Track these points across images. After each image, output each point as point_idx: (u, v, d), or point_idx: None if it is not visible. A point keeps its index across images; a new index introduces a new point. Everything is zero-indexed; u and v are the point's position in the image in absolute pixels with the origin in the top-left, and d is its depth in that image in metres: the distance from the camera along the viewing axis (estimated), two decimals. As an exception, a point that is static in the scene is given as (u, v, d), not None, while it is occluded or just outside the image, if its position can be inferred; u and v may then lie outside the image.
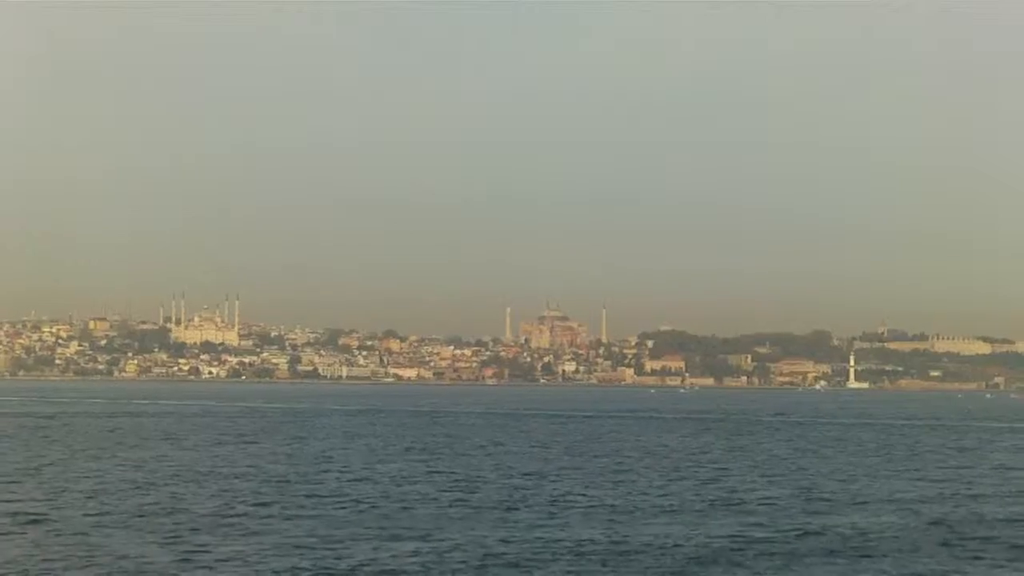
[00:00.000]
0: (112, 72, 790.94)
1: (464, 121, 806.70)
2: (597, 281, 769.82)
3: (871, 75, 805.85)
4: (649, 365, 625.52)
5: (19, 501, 49.79)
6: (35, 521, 43.84)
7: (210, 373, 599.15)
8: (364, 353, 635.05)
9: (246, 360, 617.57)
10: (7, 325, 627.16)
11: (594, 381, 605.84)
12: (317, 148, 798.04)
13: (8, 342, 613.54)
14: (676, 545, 39.79)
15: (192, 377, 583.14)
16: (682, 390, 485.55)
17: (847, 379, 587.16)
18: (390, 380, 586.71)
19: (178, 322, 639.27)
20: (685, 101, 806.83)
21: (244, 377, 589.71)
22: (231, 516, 45.74)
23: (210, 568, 34.79)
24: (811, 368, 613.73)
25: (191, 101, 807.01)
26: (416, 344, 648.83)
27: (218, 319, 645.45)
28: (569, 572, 35.02)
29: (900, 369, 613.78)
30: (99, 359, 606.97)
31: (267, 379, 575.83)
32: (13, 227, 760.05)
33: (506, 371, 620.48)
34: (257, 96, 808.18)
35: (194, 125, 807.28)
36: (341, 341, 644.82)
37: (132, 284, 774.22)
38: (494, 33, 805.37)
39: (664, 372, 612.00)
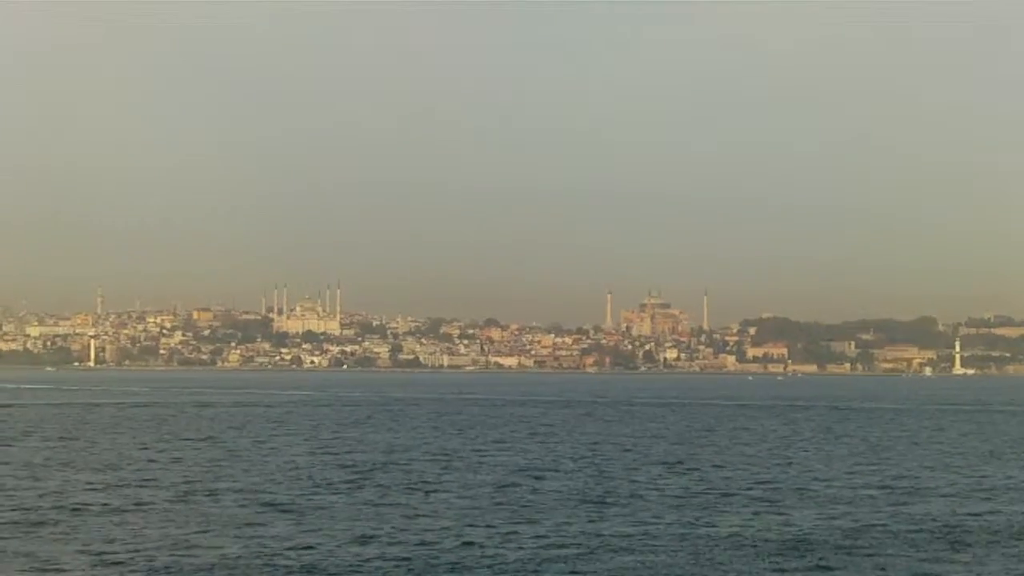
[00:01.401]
0: (204, 56, 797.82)
1: (571, 112, 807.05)
2: (698, 268, 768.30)
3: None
4: (751, 352, 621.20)
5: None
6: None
7: (312, 362, 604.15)
8: (465, 341, 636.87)
9: (347, 349, 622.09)
10: (113, 316, 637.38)
11: (696, 369, 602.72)
12: (415, 135, 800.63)
13: (114, 332, 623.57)
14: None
15: (294, 367, 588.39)
16: (779, 377, 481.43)
17: (953, 365, 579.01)
18: (480, 369, 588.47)
19: (280, 312, 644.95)
20: (786, 98, 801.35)
21: (345, 366, 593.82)
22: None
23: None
24: (916, 354, 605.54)
25: (295, 89, 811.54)
26: (517, 332, 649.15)
27: (319, 308, 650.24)
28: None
29: (1007, 355, 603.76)
30: (203, 349, 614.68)
31: (368, 368, 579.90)
32: (119, 221, 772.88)
33: (607, 359, 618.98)
34: (358, 78, 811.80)
35: (296, 113, 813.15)
36: (442, 330, 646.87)
37: (235, 274, 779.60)
38: (615, 26, 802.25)
39: (766, 359, 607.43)
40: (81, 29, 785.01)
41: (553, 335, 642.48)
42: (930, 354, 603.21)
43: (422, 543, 37.16)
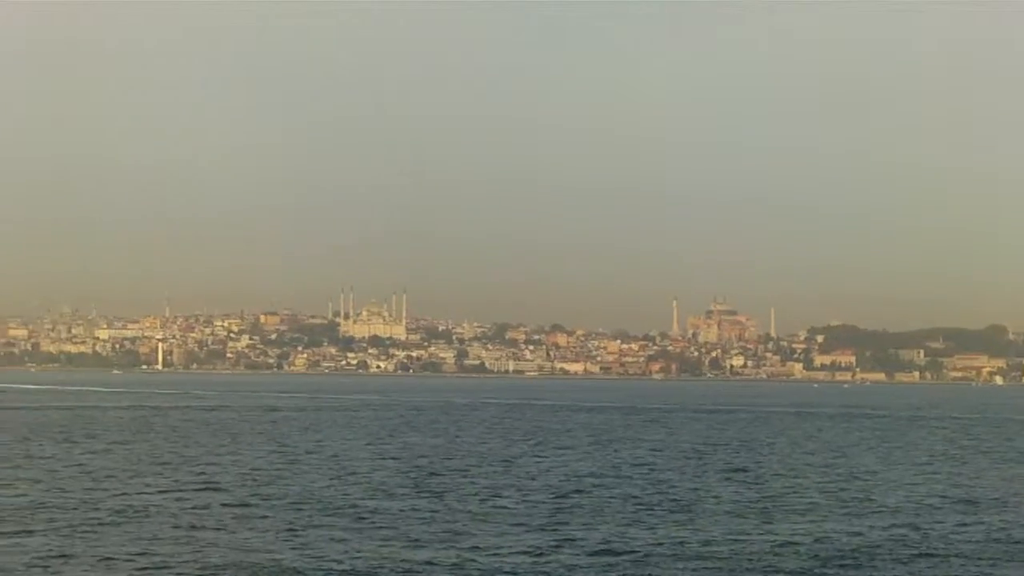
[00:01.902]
0: (274, 46, 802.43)
1: (638, 115, 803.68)
2: (765, 275, 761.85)
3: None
4: (819, 360, 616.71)
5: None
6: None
7: (378, 367, 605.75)
8: (530, 347, 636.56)
9: (413, 354, 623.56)
10: (181, 319, 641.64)
11: (763, 376, 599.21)
12: (482, 135, 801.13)
13: (182, 336, 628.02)
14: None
15: (360, 371, 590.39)
16: (845, 385, 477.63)
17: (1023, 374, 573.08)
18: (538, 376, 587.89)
19: (346, 316, 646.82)
20: (841, 102, 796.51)
21: (411, 371, 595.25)
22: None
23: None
24: (986, 363, 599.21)
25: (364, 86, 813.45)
26: (583, 338, 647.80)
27: (386, 313, 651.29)
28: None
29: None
30: (269, 353, 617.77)
31: (434, 373, 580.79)
32: (187, 222, 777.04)
33: (673, 366, 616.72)
34: (429, 75, 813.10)
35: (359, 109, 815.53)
36: (508, 335, 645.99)
37: (302, 278, 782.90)
38: (683, 25, 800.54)
39: (834, 367, 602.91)
40: (146, 27, 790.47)
41: (619, 341, 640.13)
42: (1000, 363, 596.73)
43: (475, 548, 37.18)
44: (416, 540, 38.60)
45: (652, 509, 47.82)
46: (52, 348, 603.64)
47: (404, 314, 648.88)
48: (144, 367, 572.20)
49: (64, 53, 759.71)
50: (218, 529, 40.44)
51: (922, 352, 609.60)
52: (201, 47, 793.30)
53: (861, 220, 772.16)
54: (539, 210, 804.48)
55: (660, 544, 38.76)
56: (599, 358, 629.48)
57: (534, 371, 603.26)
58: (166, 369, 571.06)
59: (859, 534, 41.68)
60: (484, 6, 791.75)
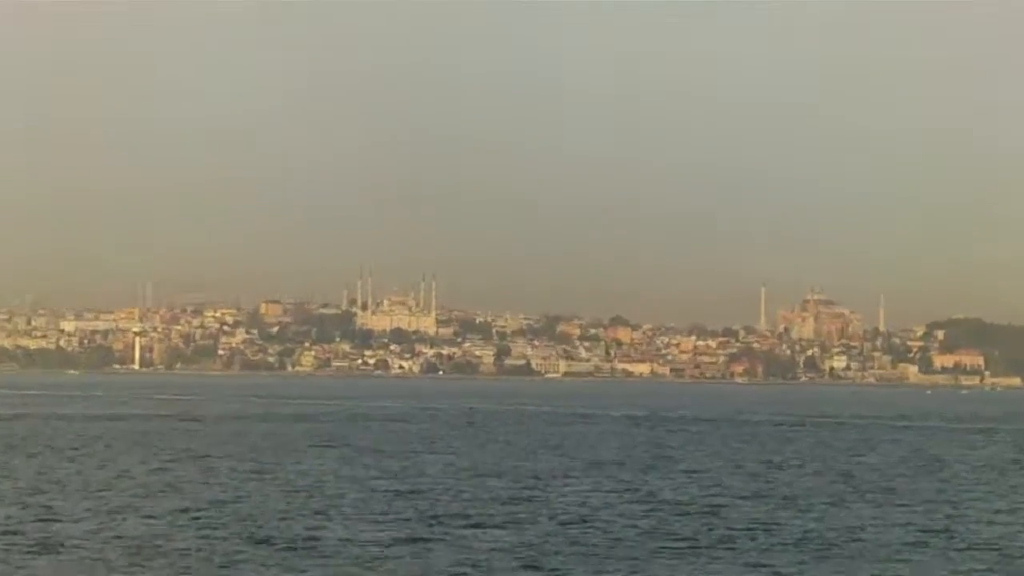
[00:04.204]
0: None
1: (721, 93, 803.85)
2: (873, 260, 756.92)
3: None
4: (939, 361, 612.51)
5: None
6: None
7: (401, 367, 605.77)
8: (586, 344, 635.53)
9: (444, 352, 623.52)
10: (164, 309, 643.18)
11: (870, 380, 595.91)
12: (530, 109, 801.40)
13: (164, 329, 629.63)
14: None
15: (379, 372, 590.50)
16: (964, 391, 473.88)
17: None
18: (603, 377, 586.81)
19: (364, 306, 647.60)
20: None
21: (441, 372, 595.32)
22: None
23: None
24: None
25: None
26: (650, 333, 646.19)
27: (412, 302, 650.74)
28: None
29: None
30: (270, 350, 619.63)
31: (469, 375, 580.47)
32: (172, 197, 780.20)
33: (759, 367, 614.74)
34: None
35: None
36: (559, 329, 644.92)
37: (309, 261, 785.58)
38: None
39: (957, 370, 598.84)
40: None
41: (694, 337, 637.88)
42: None
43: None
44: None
45: (690, 543, 48.46)
46: (7, 343, 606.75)
47: (434, 303, 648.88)
48: (117, 366, 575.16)
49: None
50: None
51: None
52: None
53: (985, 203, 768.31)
54: (592, 178, 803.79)
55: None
56: (670, 358, 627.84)
57: (592, 372, 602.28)
58: (144, 369, 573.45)
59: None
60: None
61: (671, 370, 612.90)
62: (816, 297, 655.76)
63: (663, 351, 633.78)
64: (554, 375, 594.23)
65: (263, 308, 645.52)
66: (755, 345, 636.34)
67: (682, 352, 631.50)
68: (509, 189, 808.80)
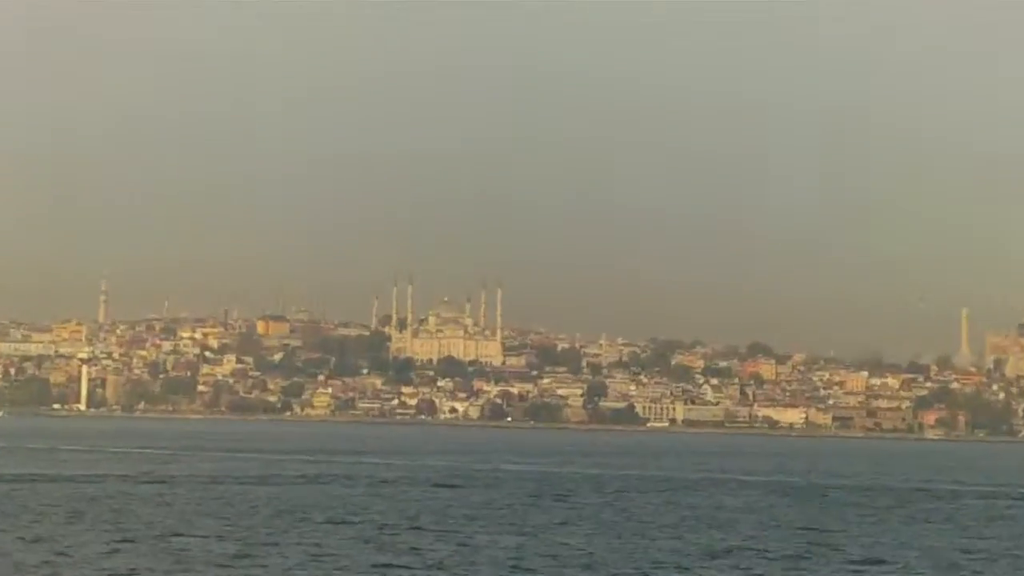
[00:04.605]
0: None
1: None
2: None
3: None
4: None
5: None
6: None
7: (453, 411, 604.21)
8: (713, 381, 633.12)
9: (513, 390, 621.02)
10: (123, 326, 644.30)
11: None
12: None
13: (124, 354, 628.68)
14: None
15: (423, 417, 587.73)
16: None
17: None
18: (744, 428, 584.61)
19: (401, 325, 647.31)
20: None
21: (510, 419, 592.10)
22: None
23: None
24: None
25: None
26: (802, 368, 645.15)
27: (468, 320, 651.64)
28: None
29: None
30: (271, 384, 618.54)
31: (550, 423, 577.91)
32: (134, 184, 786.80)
33: (960, 416, 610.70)
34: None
35: None
36: (675, 361, 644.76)
37: (325, 263, 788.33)
38: None
39: None
40: None
41: (866, 374, 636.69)
42: None
43: None
44: None
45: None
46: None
47: (499, 322, 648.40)
48: (57, 406, 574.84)
49: None
50: None
51: None
52: None
53: None
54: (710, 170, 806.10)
55: None
56: (831, 402, 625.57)
57: (720, 421, 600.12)
58: (94, 410, 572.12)
59: None
60: None
61: (833, 418, 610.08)
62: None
63: (821, 392, 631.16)
64: (662, 424, 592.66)
65: (261, 327, 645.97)
66: (954, 385, 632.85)
67: (848, 394, 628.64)
68: (599, 179, 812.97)
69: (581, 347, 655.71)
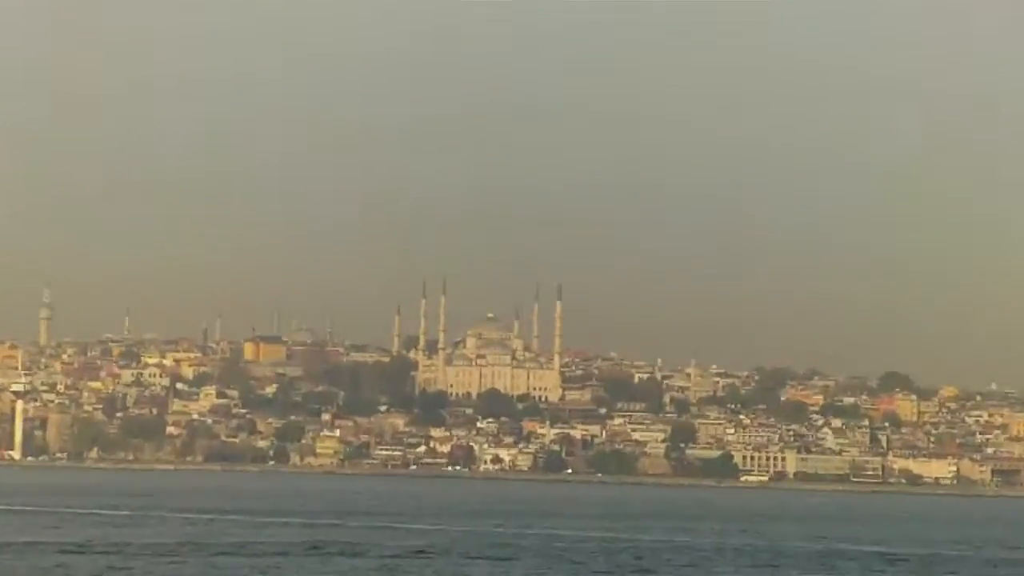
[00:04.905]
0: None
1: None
2: None
3: None
4: None
5: None
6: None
7: (498, 461, 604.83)
8: (835, 422, 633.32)
9: (574, 432, 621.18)
10: (72, 350, 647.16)
11: None
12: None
13: (70, 387, 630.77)
14: None
15: (457, 468, 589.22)
16: None
17: None
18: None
19: (430, 348, 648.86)
20: None
21: (571, 470, 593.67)
22: None
23: None
24: None
25: None
26: (954, 406, 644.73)
27: (516, 343, 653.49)
28: None
29: None
30: (261, 426, 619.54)
31: (621, 478, 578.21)
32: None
33: None
34: None
35: None
36: (785, 396, 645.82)
37: (330, 266, 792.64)
38: None
39: None
40: None
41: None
42: None
43: None
44: None
45: None
46: None
47: (556, 344, 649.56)
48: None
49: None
50: None
51: None
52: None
53: None
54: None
55: None
56: (992, 451, 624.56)
57: (845, 474, 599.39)
58: (31, 459, 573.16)
59: None
60: None
61: (993, 472, 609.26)
62: None
63: (978, 438, 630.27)
64: (761, 477, 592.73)
65: (249, 350, 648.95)
66: None
67: (1014, 440, 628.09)
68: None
69: (664, 378, 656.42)
